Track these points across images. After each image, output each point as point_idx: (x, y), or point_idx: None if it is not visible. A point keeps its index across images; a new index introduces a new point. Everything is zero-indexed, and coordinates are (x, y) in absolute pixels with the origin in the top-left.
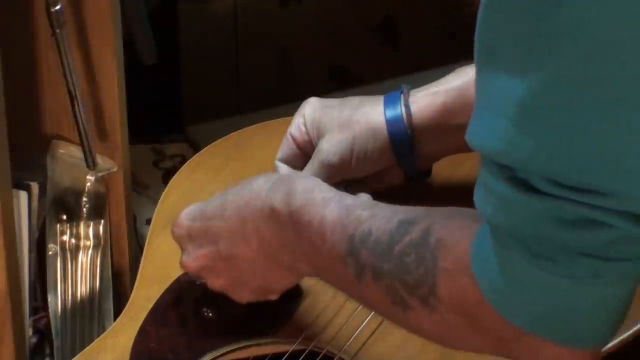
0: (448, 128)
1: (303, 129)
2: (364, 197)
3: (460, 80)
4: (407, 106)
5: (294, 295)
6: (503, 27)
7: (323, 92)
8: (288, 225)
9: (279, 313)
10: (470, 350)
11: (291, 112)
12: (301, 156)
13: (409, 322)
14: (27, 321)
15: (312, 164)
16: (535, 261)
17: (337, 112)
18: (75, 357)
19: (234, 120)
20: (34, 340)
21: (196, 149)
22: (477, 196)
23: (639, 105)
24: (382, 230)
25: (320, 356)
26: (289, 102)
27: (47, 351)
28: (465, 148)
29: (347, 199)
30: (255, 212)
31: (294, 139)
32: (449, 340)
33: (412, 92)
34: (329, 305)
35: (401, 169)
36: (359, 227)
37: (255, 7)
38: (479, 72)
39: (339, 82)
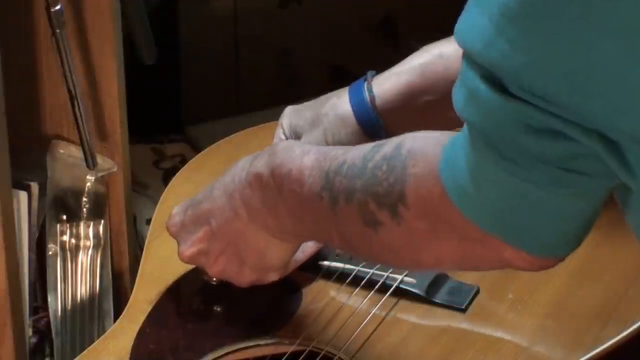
0: (416, 107)
1: (283, 137)
2: None
3: (423, 58)
4: (370, 90)
5: (294, 295)
6: None
7: (323, 92)
8: (270, 184)
9: (278, 313)
10: (433, 260)
11: None
12: None
13: (381, 242)
14: (27, 321)
15: None
16: (499, 161)
17: (309, 111)
18: None
19: (234, 120)
20: (34, 340)
21: (196, 149)
22: (454, 88)
23: (613, 31)
24: (356, 156)
25: (320, 356)
26: (289, 102)
27: (47, 351)
28: (435, 126)
29: (325, 147)
30: (241, 183)
31: None
32: (415, 250)
33: (377, 76)
34: (329, 306)
35: None
36: (333, 162)
37: (255, 7)
38: None
39: (339, 82)
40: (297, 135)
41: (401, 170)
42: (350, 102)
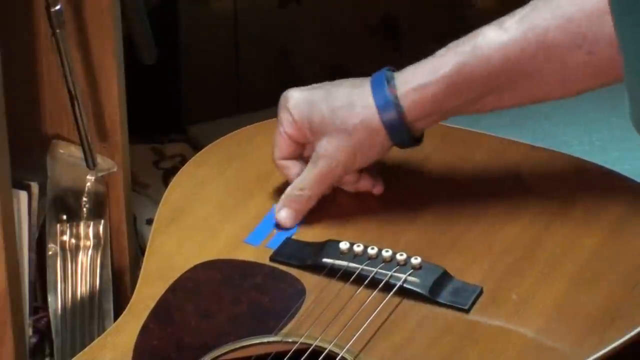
0: (438, 112)
1: (292, 123)
2: None
3: (445, 69)
4: (398, 105)
5: (297, 293)
6: None
7: None
8: None
9: (281, 312)
10: None
11: None
12: (300, 150)
13: None
14: (27, 321)
15: (317, 168)
16: None
17: (326, 108)
18: (77, 355)
19: (234, 120)
20: (34, 340)
21: (196, 149)
22: None
23: None
24: None
25: (322, 355)
26: None
27: (47, 351)
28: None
29: None
30: None
31: (290, 136)
32: None
33: (398, 82)
34: (332, 304)
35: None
36: None
37: (255, 7)
38: None
39: None
40: (312, 131)
41: None
42: (382, 119)
